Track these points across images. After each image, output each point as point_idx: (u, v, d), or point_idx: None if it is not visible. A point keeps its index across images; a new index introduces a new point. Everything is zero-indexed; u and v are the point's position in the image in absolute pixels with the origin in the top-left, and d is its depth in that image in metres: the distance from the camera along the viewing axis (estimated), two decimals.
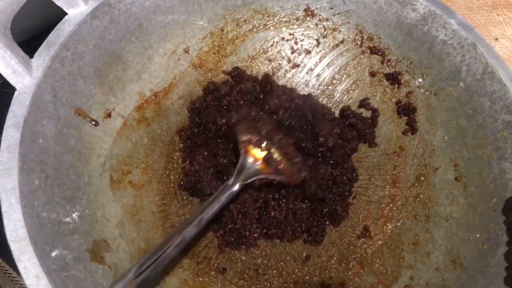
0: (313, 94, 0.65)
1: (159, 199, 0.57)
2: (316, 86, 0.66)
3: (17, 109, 0.43)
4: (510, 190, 0.51)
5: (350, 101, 0.65)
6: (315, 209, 0.58)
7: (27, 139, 0.43)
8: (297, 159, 0.55)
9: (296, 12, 0.64)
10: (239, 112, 0.57)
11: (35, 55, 0.47)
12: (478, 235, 0.52)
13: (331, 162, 0.59)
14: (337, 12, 0.63)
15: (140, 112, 0.59)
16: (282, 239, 0.57)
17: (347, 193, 0.59)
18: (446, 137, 0.59)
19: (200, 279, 0.54)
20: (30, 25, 0.63)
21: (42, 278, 0.38)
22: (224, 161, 0.57)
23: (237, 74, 0.63)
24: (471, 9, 0.77)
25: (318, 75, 0.66)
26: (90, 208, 0.49)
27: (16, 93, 0.44)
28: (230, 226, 0.55)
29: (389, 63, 0.63)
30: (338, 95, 0.66)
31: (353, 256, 0.57)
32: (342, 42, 0.65)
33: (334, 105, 0.65)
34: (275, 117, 0.58)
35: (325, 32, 0.65)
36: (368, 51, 0.64)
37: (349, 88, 0.65)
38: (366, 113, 0.64)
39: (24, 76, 0.45)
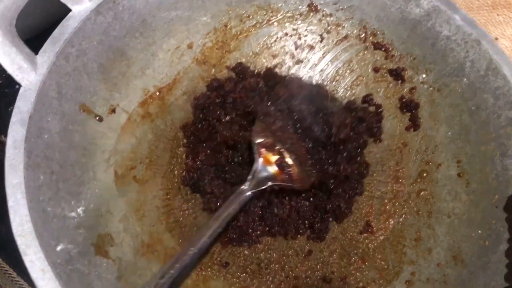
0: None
1: (163, 194, 0.57)
2: (319, 82, 0.66)
3: (23, 106, 0.44)
4: None
5: (354, 96, 0.65)
6: (318, 206, 0.58)
7: (32, 135, 0.44)
8: (308, 165, 0.55)
9: (300, 7, 0.64)
10: (257, 109, 0.57)
11: (40, 52, 0.47)
12: (480, 232, 0.52)
13: (344, 155, 0.57)
14: (340, 7, 0.63)
15: (144, 107, 0.59)
16: (286, 237, 0.57)
17: (357, 190, 0.59)
18: (449, 133, 0.59)
19: (203, 273, 0.54)
20: (35, 23, 0.64)
21: (48, 271, 0.38)
22: (228, 160, 0.57)
23: (241, 70, 0.63)
24: (471, 9, 0.76)
25: (322, 70, 0.66)
26: (95, 203, 0.50)
27: (21, 90, 0.45)
28: (232, 223, 0.55)
29: (392, 59, 0.63)
30: (342, 90, 0.65)
31: (355, 251, 0.57)
32: (345, 37, 0.65)
33: None
34: (286, 108, 0.57)
35: (329, 28, 0.65)
36: (372, 46, 0.64)
37: (352, 84, 0.65)
38: (370, 109, 0.64)
39: (29, 73, 0.45)
